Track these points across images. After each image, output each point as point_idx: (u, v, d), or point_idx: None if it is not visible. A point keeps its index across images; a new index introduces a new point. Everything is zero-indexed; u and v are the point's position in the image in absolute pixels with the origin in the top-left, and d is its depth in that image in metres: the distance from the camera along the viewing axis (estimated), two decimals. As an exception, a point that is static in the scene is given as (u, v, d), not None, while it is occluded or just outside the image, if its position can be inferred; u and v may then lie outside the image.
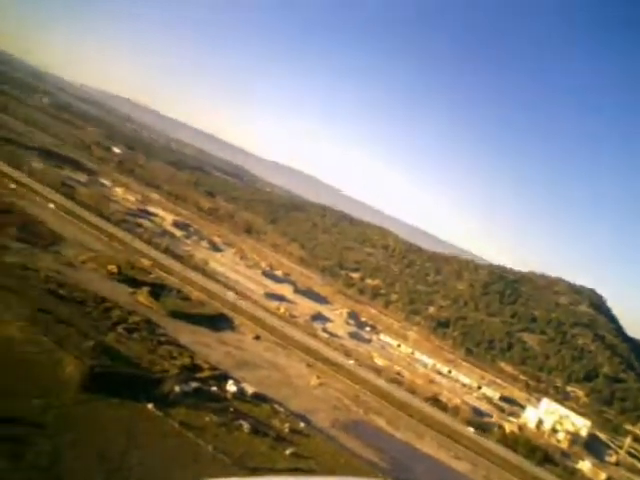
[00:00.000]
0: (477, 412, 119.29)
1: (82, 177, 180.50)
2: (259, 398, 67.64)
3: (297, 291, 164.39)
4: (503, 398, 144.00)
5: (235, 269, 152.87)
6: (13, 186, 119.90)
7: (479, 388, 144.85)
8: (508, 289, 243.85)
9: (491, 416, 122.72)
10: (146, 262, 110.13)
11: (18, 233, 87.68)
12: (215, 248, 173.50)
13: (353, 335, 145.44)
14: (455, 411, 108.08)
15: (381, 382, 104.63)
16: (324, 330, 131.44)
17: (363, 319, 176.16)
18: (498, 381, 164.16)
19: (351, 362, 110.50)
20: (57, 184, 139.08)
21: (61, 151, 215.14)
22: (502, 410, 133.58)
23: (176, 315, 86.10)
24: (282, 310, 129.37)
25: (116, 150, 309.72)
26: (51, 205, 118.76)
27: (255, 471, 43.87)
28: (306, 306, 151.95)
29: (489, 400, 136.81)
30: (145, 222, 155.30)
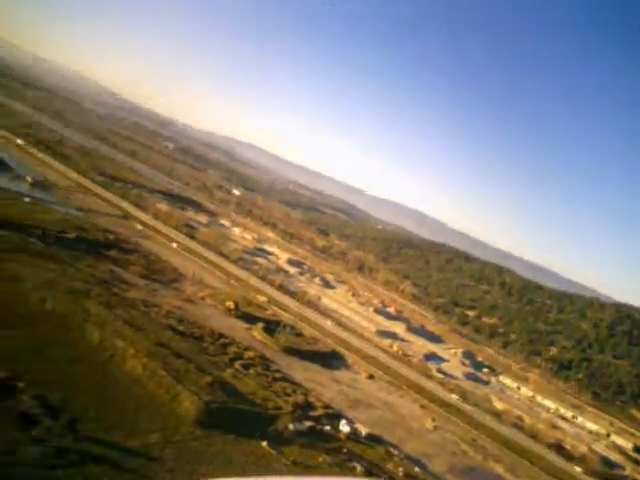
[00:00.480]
0: (606, 462, 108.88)
1: (203, 218, 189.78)
2: (373, 439, 66.01)
3: (410, 329, 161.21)
4: (637, 448, 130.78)
5: (347, 306, 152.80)
6: (140, 227, 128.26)
7: (608, 436, 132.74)
8: (636, 329, 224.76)
9: (624, 468, 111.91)
10: (261, 298, 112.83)
11: (143, 271, 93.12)
12: (328, 285, 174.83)
13: (469, 376, 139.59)
14: (581, 460, 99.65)
15: (500, 427, 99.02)
16: (439, 370, 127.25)
17: (479, 359, 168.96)
18: (630, 429, 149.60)
19: (468, 405, 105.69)
20: (180, 225, 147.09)
21: (184, 193, 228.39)
22: (637, 462, 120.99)
23: (290, 351, 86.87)
24: (395, 348, 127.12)
25: (235, 192, 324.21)
26: (174, 244, 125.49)
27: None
28: (419, 344, 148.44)
29: (620, 450, 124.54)
30: (261, 260, 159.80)
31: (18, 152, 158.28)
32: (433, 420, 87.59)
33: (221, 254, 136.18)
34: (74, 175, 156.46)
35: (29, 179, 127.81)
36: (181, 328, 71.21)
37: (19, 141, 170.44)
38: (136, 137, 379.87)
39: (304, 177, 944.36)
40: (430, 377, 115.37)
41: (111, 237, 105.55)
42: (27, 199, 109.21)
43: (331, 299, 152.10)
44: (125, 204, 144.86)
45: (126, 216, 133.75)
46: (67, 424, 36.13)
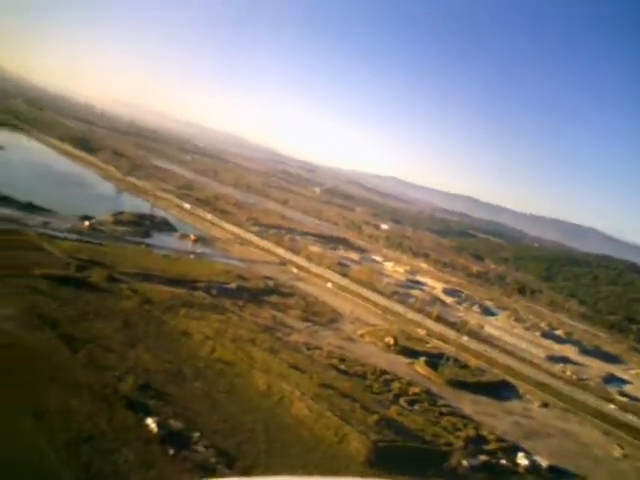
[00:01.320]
0: None
1: (354, 255, 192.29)
2: (556, 471, 61.17)
3: (583, 351, 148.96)
4: None
5: (512, 332, 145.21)
6: (295, 270, 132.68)
7: None
8: None
9: None
10: (420, 331, 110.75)
11: (302, 313, 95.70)
12: (488, 312, 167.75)
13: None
14: None
15: None
16: (621, 393, 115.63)
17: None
18: None
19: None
20: (333, 264, 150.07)
21: (334, 233, 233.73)
22: None
23: (455, 384, 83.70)
24: (568, 373, 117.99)
25: (384, 226, 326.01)
26: (329, 284, 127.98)
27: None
28: (595, 367, 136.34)
29: None
30: (416, 292, 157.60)
31: (180, 212, 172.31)
32: (621, 447, 79.27)
33: (375, 290, 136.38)
34: (232, 228, 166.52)
35: (192, 236, 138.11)
36: (343, 367, 71.73)
37: (181, 201, 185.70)
38: (287, 185, 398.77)
39: (449, 202, 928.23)
40: (611, 401, 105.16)
41: (270, 283, 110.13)
42: (191, 255, 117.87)
43: (493, 326, 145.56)
44: (280, 250, 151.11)
45: (282, 261, 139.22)
46: (242, 472, 37.30)
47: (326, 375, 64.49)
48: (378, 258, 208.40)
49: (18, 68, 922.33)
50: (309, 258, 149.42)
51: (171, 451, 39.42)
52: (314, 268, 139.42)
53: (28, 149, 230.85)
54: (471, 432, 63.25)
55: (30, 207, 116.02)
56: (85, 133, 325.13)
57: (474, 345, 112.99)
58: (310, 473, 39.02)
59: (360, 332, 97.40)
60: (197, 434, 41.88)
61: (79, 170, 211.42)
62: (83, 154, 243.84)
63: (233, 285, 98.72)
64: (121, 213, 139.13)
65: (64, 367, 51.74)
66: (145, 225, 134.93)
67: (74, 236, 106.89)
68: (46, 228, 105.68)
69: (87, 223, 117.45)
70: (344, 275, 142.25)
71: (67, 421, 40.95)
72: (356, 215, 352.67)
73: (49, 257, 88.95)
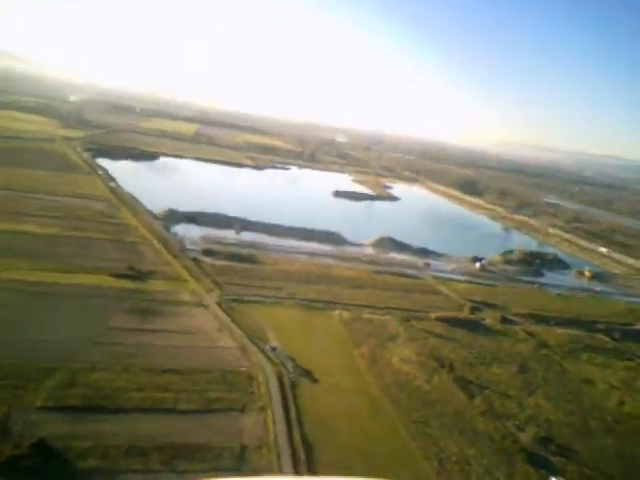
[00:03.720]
0: None
1: None
2: None
3: None
4: None
5: None
6: None
7: None
8: None
9: None
10: None
11: None
12: None
13: None
14: None
15: None
16: None
17: None
18: None
19: None
20: None
21: None
22: None
23: None
24: None
25: None
26: None
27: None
28: None
29: None
30: None
31: (570, 246, 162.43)
32: None
33: None
34: (631, 261, 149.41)
35: (587, 273, 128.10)
36: None
37: (571, 236, 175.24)
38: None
39: None
40: None
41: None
42: (588, 293, 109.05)
43: None
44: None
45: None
46: None
47: None
48: None
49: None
50: None
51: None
52: None
53: (420, 197, 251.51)
54: None
55: (424, 251, 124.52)
56: (470, 177, 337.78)
57: None
58: None
59: None
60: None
61: (466, 213, 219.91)
62: (469, 197, 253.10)
63: (639, 326, 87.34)
64: (511, 252, 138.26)
65: (462, 413, 52.25)
66: (536, 263, 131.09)
67: (466, 277, 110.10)
68: (440, 271, 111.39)
69: (478, 264, 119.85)
70: None
71: (465, 472, 40.69)
72: None
73: (444, 299, 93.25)
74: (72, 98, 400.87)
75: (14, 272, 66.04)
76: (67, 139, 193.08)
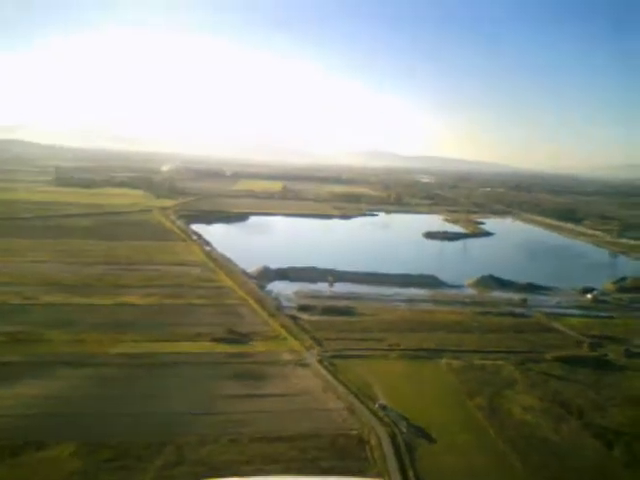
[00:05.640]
0: None
1: None
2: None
3: None
4: None
5: None
6: None
7: None
8: None
9: None
10: None
11: None
12: None
13: None
14: None
15: None
16: None
17: None
18: None
19: None
20: None
21: None
22: None
23: None
24: None
25: None
26: None
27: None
28: None
29: None
30: None
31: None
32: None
33: None
34: None
35: None
36: None
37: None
38: None
39: None
40: None
41: None
42: None
43: None
44: None
45: None
46: None
47: None
48: None
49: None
50: None
51: None
52: None
53: (515, 230, 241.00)
54: None
55: (530, 287, 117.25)
56: (566, 204, 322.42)
57: None
58: None
59: None
60: None
61: (567, 241, 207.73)
62: (568, 225, 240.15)
63: None
64: (624, 279, 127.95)
65: (603, 467, 46.43)
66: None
67: (579, 311, 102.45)
68: (550, 306, 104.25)
69: (589, 295, 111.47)
70: None
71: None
72: None
73: (558, 337, 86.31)
74: (164, 168, 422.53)
75: (117, 346, 67.11)
76: (161, 209, 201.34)
